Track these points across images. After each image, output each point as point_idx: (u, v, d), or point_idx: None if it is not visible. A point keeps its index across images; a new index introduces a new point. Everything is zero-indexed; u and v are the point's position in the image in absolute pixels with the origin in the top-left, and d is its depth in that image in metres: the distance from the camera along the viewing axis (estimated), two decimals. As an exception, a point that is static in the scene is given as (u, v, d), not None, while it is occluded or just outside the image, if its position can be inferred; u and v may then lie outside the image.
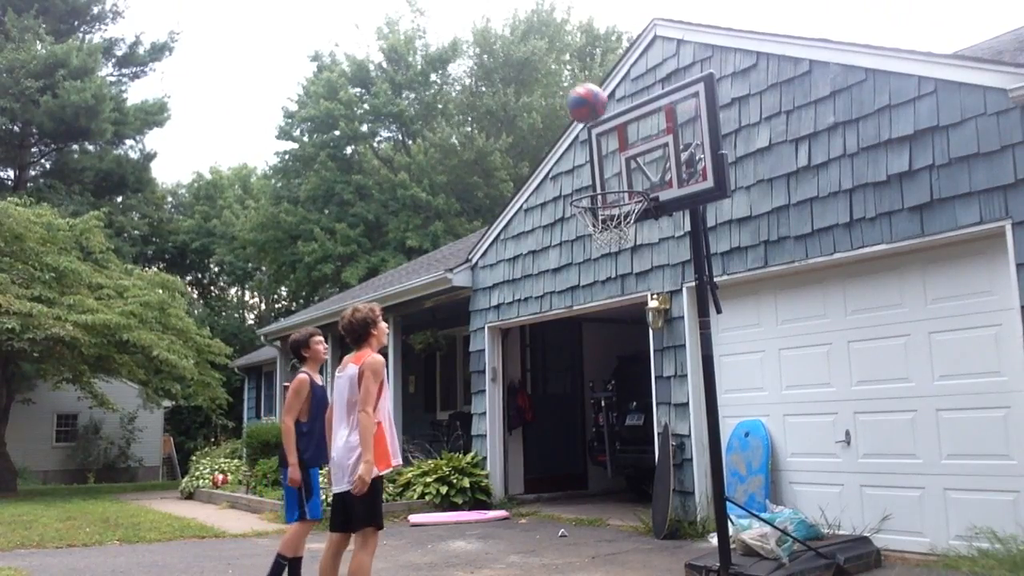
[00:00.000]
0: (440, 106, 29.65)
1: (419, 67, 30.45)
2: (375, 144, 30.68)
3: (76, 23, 30.43)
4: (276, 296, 36.70)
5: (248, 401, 24.02)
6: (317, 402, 5.48)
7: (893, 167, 6.28)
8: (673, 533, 7.40)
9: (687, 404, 7.80)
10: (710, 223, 7.36)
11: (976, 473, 5.85)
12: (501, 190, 26.57)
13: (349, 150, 29.88)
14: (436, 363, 15.04)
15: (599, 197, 5.94)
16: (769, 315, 7.42)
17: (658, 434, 8.09)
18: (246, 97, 70.78)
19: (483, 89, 28.81)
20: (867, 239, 6.43)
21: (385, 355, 4.96)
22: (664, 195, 5.39)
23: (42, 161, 30.29)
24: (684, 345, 7.91)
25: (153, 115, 30.92)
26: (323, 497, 5.61)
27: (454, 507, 9.74)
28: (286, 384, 5.71)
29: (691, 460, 7.69)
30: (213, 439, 26.85)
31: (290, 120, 30.41)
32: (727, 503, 5.40)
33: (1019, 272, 5.55)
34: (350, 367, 4.68)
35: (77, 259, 15.53)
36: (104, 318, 13.67)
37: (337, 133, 29.03)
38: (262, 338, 18.09)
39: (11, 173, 29.33)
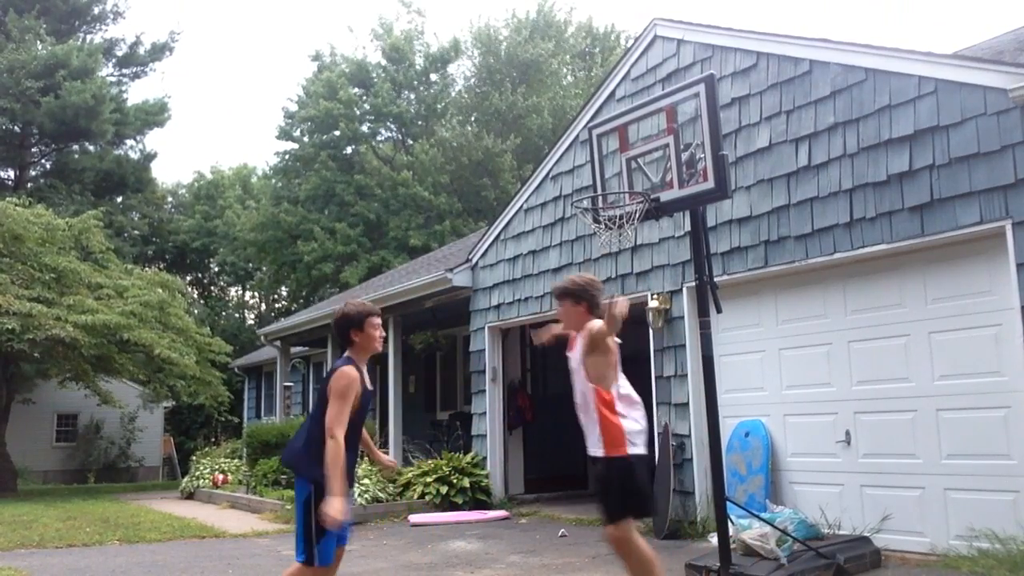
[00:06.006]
0: (440, 106, 29.62)
1: (420, 67, 30.43)
2: (375, 144, 30.68)
3: (76, 23, 30.44)
4: (276, 296, 36.70)
5: (248, 401, 24.05)
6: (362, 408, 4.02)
7: (893, 167, 6.28)
8: (673, 533, 7.39)
9: (687, 404, 7.80)
10: (710, 223, 7.35)
11: (976, 473, 5.85)
12: (509, 192, 26.58)
13: (349, 150, 29.88)
14: (436, 363, 15.04)
15: (600, 198, 5.94)
16: (769, 315, 7.42)
17: (658, 434, 8.08)
18: (246, 97, 70.87)
19: (487, 89, 28.76)
20: (867, 239, 6.43)
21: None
22: (665, 196, 5.39)
23: (42, 161, 30.28)
24: (684, 345, 7.91)
25: (153, 115, 30.92)
26: None
27: (454, 507, 9.74)
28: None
29: (691, 460, 7.69)
30: (213, 439, 26.89)
31: (290, 120, 30.41)
32: (727, 503, 5.40)
33: (1019, 272, 5.55)
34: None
35: (76, 259, 15.52)
36: (104, 318, 13.66)
37: (337, 133, 29.01)
38: (262, 338, 18.06)
39: (11, 173, 29.34)
